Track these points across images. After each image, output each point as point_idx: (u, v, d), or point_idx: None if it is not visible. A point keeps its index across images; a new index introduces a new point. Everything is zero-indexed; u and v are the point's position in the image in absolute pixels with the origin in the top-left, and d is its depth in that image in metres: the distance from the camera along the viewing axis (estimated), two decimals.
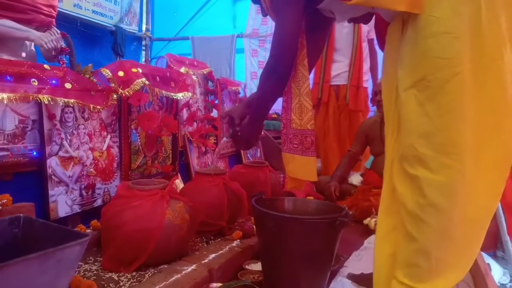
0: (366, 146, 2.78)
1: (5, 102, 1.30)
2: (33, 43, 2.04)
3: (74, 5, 3.97)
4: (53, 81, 1.44)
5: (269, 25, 4.80)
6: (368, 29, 3.04)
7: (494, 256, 2.07)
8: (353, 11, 1.21)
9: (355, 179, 2.72)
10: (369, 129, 2.71)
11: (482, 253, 1.76)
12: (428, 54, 0.91)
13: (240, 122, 1.46)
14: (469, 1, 0.88)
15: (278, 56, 1.21)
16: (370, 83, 3.20)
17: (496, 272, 1.82)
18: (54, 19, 2.13)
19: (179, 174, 2.14)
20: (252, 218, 1.69)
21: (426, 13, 0.92)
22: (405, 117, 0.96)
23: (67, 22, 3.65)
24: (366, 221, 2.19)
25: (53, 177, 1.44)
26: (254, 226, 1.61)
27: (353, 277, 1.50)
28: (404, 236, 0.97)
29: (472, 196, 0.92)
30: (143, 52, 5.45)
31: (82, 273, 1.28)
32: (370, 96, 3.10)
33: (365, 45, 3.12)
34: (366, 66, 3.12)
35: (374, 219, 2.16)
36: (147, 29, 5.39)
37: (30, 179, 1.42)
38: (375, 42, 2.85)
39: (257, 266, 1.49)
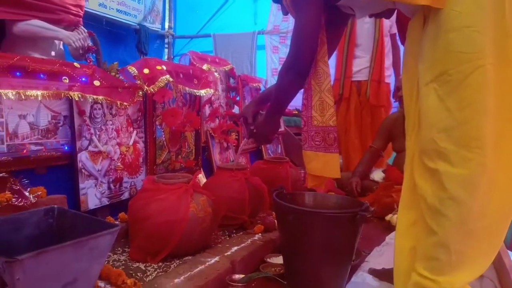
0: (388, 142, 2.76)
1: (39, 99, 1.37)
2: (61, 42, 2.12)
3: (99, 5, 4.08)
4: (83, 79, 1.51)
5: (290, 22, 4.79)
6: (390, 24, 3.00)
7: None
8: (373, 7, 1.21)
9: (377, 175, 2.70)
10: (392, 125, 2.69)
11: (508, 251, 1.72)
12: (450, 49, 0.91)
13: (253, 120, 1.52)
14: None
15: (297, 52, 1.22)
16: (393, 78, 3.16)
17: None
18: (81, 19, 2.20)
19: (201, 169, 2.19)
20: (273, 212, 1.72)
21: (448, 8, 0.91)
22: (425, 111, 0.97)
23: (93, 21, 3.76)
24: (388, 217, 2.18)
25: (83, 170, 1.50)
26: (275, 220, 1.64)
27: (374, 272, 1.50)
28: (424, 230, 0.98)
29: (493, 190, 0.91)
30: (166, 50, 5.54)
31: (111, 263, 1.34)
32: (392, 91, 3.07)
33: (387, 40, 3.08)
34: (388, 61, 3.09)
35: (396, 215, 2.15)
36: (169, 27, 5.48)
37: (62, 173, 1.49)
38: (397, 36, 2.82)
39: (278, 260, 1.52)
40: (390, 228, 2.10)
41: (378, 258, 1.69)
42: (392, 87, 3.10)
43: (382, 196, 2.33)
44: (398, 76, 3.10)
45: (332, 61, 3.37)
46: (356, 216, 1.18)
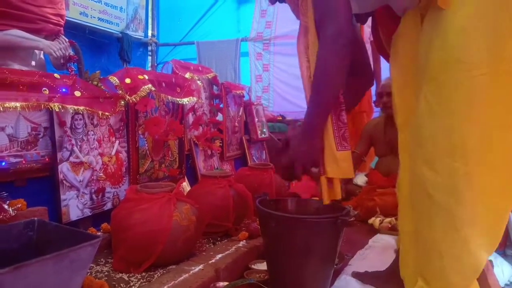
0: (370, 147, 2.81)
1: (18, 110, 1.35)
2: (42, 52, 2.10)
3: (80, 13, 4.05)
4: (63, 89, 1.50)
5: (273, 29, 4.85)
6: (370, 31, 3.06)
7: (504, 255, 2.08)
8: (365, 3, 1.12)
9: (360, 179, 2.74)
10: (373, 130, 2.74)
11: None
12: (447, 56, 0.89)
13: (284, 146, 1.16)
14: (494, 3, 0.86)
15: (335, 16, 1.01)
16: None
17: (506, 270, 1.83)
18: (62, 28, 2.19)
19: (185, 177, 2.18)
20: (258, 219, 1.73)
21: (450, 11, 0.88)
22: (417, 115, 0.95)
23: (75, 30, 3.73)
24: (370, 221, 2.21)
25: (64, 182, 1.49)
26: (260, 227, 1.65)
27: (357, 275, 1.53)
28: (417, 235, 0.99)
29: (482, 198, 0.91)
30: (149, 58, 5.53)
31: (94, 274, 1.33)
32: (374, 97, 3.13)
33: (367, 47, 3.13)
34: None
35: (378, 219, 2.19)
36: (152, 35, 5.47)
37: (43, 184, 1.47)
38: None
39: (263, 266, 1.53)
40: (373, 231, 2.14)
41: (362, 261, 1.72)
42: (373, 92, 3.15)
43: (365, 200, 2.37)
44: (379, 82, 3.16)
45: None
46: (337, 220, 1.20)
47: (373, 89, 3.19)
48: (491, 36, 0.86)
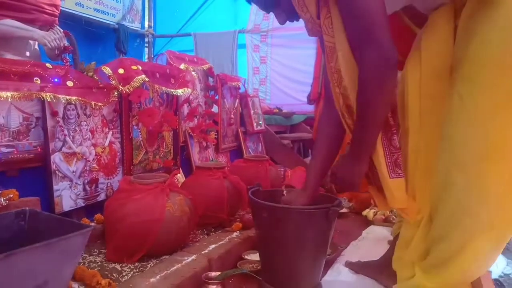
0: None
1: (9, 100, 1.34)
2: (36, 42, 2.09)
3: (76, 4, 4.02)
4: (55, 79, 1.49)
5: (271, 21, 4.82)
6: None
7: None
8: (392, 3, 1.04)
9: None
10: None
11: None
12: (487, 53, 0.82)
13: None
14: None
15: (374, 32, 0.90)
16: None
17: (500, 262, 1.84)
18: (57, 18, 2.17)
19: (180, 169, 2.18)
20: None
21: (494, 5, 0.81)
22: (448, 118, 0.90)
23: (71, 21, 3.70)
24: (365, 212, 2.23)
25: (57, 172, 1.49)
26: None
27: (350, 265, 1.54)
28: (436, 234, 0.96)
29: (506, 201, 0.88)
30: (146, 49, 5.50)
31: (87, 264, 1.33)
32: None
33: None
34: None
35: (372, 210, 2.20)
36: (149, 26, 5.44)
37: (35, 175, 1.46)
38: None
39: (256, 256, 1.54)
40: (367, 222, 2.15)
41: (355, 252, 1.73)
42: None
43: (359, 192, 2.37)
44: None
45: (312, 60, 3.41)
46: (328, 211, 1.21)
47: None
48: None
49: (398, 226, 1.41)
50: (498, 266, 1.82)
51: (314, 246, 1.27)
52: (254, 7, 4.93)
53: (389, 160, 1.03)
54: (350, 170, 1.08)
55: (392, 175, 1.03)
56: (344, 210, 2.27)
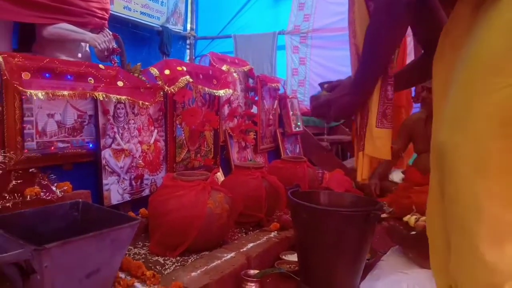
0: (408, 143, 2.73)
1: (67, 99, 1.44)
2: (87, 44, 2.21)
3: (124, 7, 4.20)
4: (107, 80, 1.58)
5: (311, 22, 4.80)
6: None
7: None
8: None
9: (396, 176, 2.69)
10: (413, 126, 2.66)
11: None
12: (482, 59, 0.72)
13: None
14: None
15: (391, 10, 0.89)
16: None
17: None
18: (106, 21, 2.29)
19: (220, 168, 2.23)
20: (290, 211, 1.74)
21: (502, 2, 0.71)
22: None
23: (118, 24, 3.87)
24: (406, 218, 2.16)
25: (106, 167, 1.57)
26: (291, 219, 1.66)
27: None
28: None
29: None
30: (188, 51, 5.64)
31: (132, 256, 1.40)
32: (413, 91, 3.03)
33: (409, 39, 3.05)
34: (409, 60, 3.05)
35: (414, 216, 2.13)
36: (191, 29, 5.58)
37: (87, 169, 1.56)
38: None
39: (293, 257, 1.54)
40: (408, 229, 2.09)
41: (395, 258, 1.69)
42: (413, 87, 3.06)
43: (400, 197, 2.32)
44: None
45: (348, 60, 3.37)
46: (369, 214, 1.19)
47: None
48: None
49: None
50: None
51: (354, 249, 1.26)
52: (294, 8, 4.95)
53: (380, 110, 1.04)
54: (345, 98, 1.06)
55: (379, 124, 1.04)
56: (384, 215, 2.22)
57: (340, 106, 1.08)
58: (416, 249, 1.59)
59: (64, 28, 2.02)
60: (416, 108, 3.16)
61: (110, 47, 2.17)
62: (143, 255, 1.42)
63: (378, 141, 1.04)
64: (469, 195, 0.75)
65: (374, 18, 0.96)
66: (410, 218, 2.13)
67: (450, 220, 0.82)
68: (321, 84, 1.18)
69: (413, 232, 1.79)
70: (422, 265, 1.58)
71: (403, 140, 2.70)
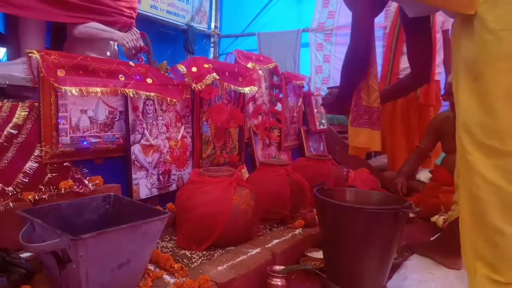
0: (436, 142, 2.66)
1: (99, 95, 1.49)
2: (116, 43, 2.26)
3: (151, 6, 4.27)
4: (137, 77, 1.61)
5: (335, 19, 4.74)
6: (443, 20, 2.88)
7: None
8: (419, 8, 1.32)
9: (424, 175, 2.62)
10: (440, 125, 2.59)
11: None
12: (486, 50, 1.00)
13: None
14: None
15: (355, 45, 1.46)
16: (443, 76, 3.04)
17: None
18: (134, 20, 2.34)
19: (244, 165, 2.24)
20: (314, 209, 1.74)
21: (482, 12, 1.01)
22: (465, 107, 1.07)
23: (145, 22, 3.94)
24: (433, 219, 2.12)
25: (136, 162, 1.61)
26: (316, 216, 1.66)
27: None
28: (473, 219, 1.05)
29: None
30: (212, 49, 5.68)
31: (160, 249, 1.42)
32: (442, 89, 2.95)
33: (438, 37, 2.96)
34: (438, 58, 2.97)
35: (442, 217, 2.08)
36: (215, 27, 5.61)
37: (117, 164, 1.60)
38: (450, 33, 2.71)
39: (318, 254, 1.54)
40: (435, 230, 2.04)
41: (422, 258, 1.66)
42: (442, 85, 2.98)
43: (428, 196, 2.27)
44: (449, 74, 2.97)
45: (378, 59, 3.31)
46: (398, 213, 1.18)
47: (442, 81, 3.02)
48: None
49: (456, 212, 1.49)
50: None
51: (381, 248, 1.24)
52: (318, 5, 4.91)
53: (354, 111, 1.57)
54: (335, 99, 1.72)
55: (354, 123, 1.56)
56: (411, 215, 2.18)
57: (329, 105, 1.81)
58: (438, 253, 1.61)
59: (94, 27, 2.08)
60: (445, 106, 3.07)
61: (138, 45, 2.21)
62: (170, 249, 1.45)
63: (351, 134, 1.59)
64: None
65: (345, 56, 1.52)
66: (438, 219, 2.08)
67: None
68: (328, 88, 1.78)
69: (432, 238, 1.80)
70: (450, 266, 1.55)
71: (430, 139, 2.64)
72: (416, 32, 1.48)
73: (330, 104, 1.80)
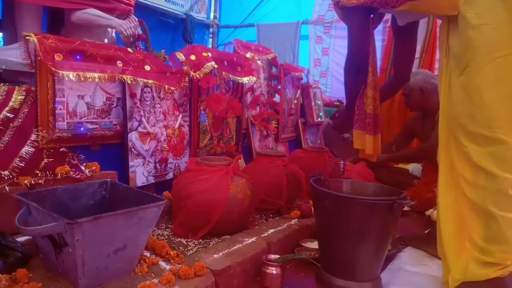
0: (409, 139, 2.67)
1: (96, 81, 1.47)
2: (114, 30, 2.24)
3: None
4: (135, 63, 1.60)
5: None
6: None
7: None
8: (410, 16, 1.41)
9: (416, 169, 2.64)
10: (411, 124, 2.60)
11: None
12: (471, 44, 1.08)
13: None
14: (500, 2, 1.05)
15: (352, 56, 1.51)
16: None
17: None
18: (132, 8, 2.31)
19: (241, 155, 2.24)
20: (310, 200, 1.75)
21: (464, 11, 1.09)
22: (454, 101, 1.15)
23: (143, 10, 3.90)
24: (428, 212, 2.13)
25: (132, 149, 1.61)
26: (312, 207, 1.66)
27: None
28: (467, 205, 1.12)
29: None
30: (210, 40, 5.64)
31: (156, 236, 1.43)
32: None
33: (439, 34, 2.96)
34: (438, 54, 2.97)
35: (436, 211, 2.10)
36: (214, 17, 5.56)
37: (114, 151, 1.60)
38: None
39: (313, 245, 1.55)
40: (429, 223, 2.05)
41: (416, 250, 1.68)
42: None
43: (423, 190, 2.28)
44: None
45: (378, 53, 3.31)
46: (393, 204, 1.18)
47: None
48: (506, 25, 1.04)
49: None
50: None
51: (376, 239, 1.25)
52: None
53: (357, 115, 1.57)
54: (343, 114, 1.81)
55: (356, 125, 1.57)
56: (406, 208, 2.19)
57: (339, 124, 1.96)
58: (432, 245, 1.61)
59: (91, 13, 2.05)
60: None
61: (136, 33, 2.19)
62: (166, 236, 1.45)
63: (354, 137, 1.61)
64: None
65: (344, 68, 1.59)
66: (433, 212, 2.09)
67: None
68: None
69: (426, 231, 1.80)
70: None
71: (402, 136, 2.67)
72: (404, 36, 1.56)
73: (340, 123, 1.89)
